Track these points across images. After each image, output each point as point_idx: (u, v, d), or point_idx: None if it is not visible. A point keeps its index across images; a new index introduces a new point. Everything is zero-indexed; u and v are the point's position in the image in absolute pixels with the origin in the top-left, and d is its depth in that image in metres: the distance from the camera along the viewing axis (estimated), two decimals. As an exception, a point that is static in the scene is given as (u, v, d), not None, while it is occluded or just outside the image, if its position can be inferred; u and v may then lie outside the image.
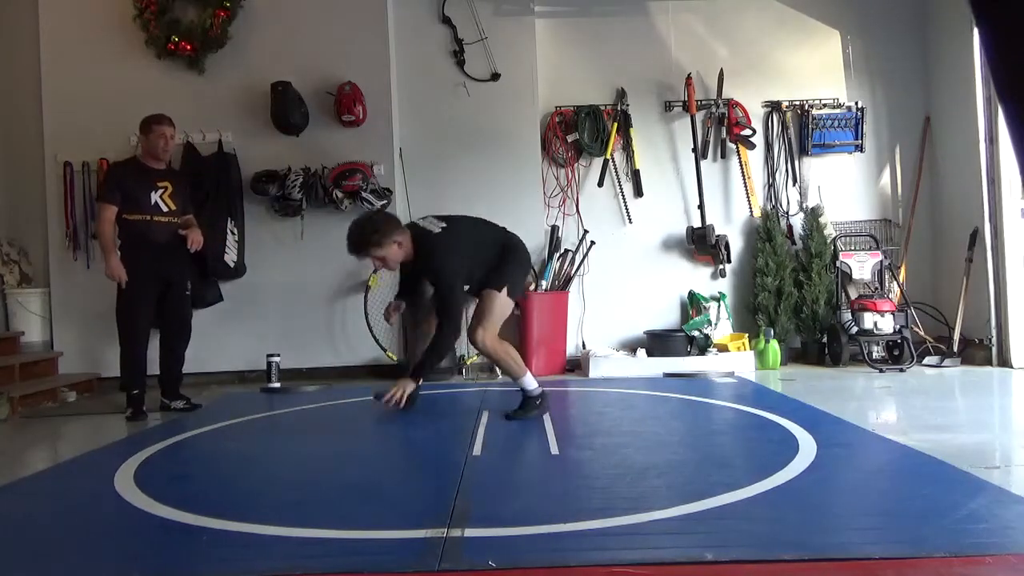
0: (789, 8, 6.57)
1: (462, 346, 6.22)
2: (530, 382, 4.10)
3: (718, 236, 6.28)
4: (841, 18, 6.58)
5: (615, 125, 6.43)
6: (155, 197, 4.69)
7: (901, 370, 5.68)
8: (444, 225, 4.10)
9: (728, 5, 6.60)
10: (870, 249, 6.28)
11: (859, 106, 6.50)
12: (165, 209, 4.73)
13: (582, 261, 6.42)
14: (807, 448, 3.19)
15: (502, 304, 4.06)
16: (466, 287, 4.11)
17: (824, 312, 6.21)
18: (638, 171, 6.48)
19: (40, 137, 6.00)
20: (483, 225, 4.33)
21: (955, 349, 5.92)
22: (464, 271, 4.02)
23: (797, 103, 6.52)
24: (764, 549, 2.06)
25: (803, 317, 6.25)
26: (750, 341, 6.13)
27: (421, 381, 4.14)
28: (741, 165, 6.54)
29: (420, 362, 4.10)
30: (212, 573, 2.06)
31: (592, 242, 6.43)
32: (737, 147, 6.53)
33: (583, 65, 6.59)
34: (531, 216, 6.35)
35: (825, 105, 6.50)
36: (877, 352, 6.07)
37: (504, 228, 4.35)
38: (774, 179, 6.54)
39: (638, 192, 6.51)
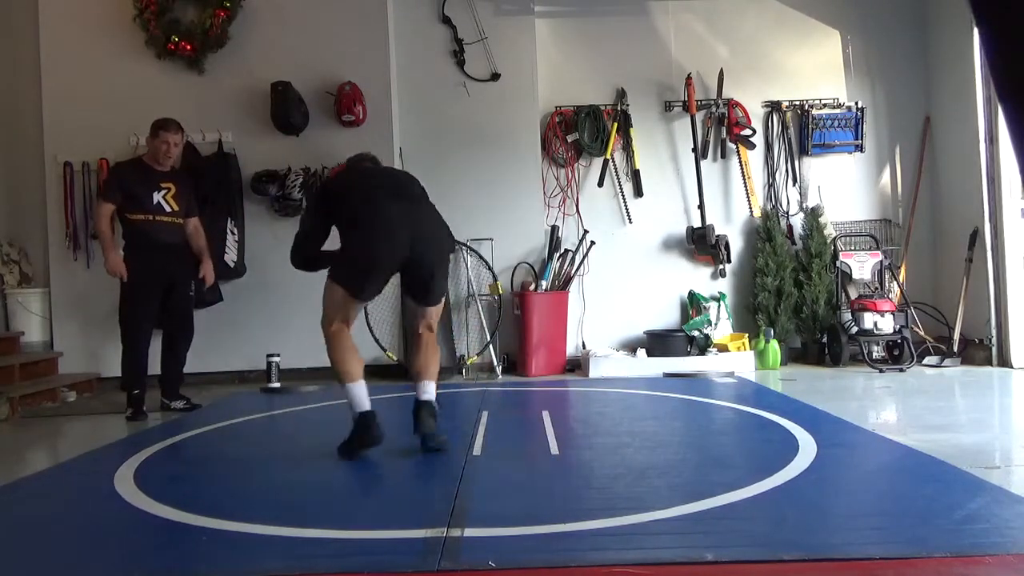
0: (789, 8, 6.57)
1: (461, 346, 6.24)
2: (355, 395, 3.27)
3: (718, 236, 6.28)
4: (841, 18, 6.58)
5: (615, 125, 6.43)
6: (158, 197, 4.70)
7: (901, 370, 5.68)
8: None
9: (728, 5, 6.60)
10: (870, 249, 6.28)
11: (859, 106, 6.50)
12: (168, 209, 4.74)
13: (582, 261, 6.41)
14: (807, 448, 3.18)
15: (327, 288, 3.43)
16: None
17: (824, 312, 6.21)
18: (638, 171, 6.48)
19: (40, 137, 5.99)
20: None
21: (955, 349, 5.92)
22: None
23: (797, 103, 6.52)
24: (764, 549, 2.06)
25: (803, 317, 6.25)
26: (750, 341, 6.13)
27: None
28: (741, 165, 6.54)
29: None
30: (212, 573, 2.06)
31: (592, 242, 6.43)
32: (737, 147, 6.53)
33: (583, 65, 6.59)
34: (531, 216, 6.35)
35: (825, 105, 6.50)
36: (877, 352, 6.07)
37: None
38: (774, 179, 6.54)
39: (638, 192, 6.51)
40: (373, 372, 6.04)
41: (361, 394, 3.30)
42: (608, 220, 6.54)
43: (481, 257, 6.27)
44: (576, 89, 6.52)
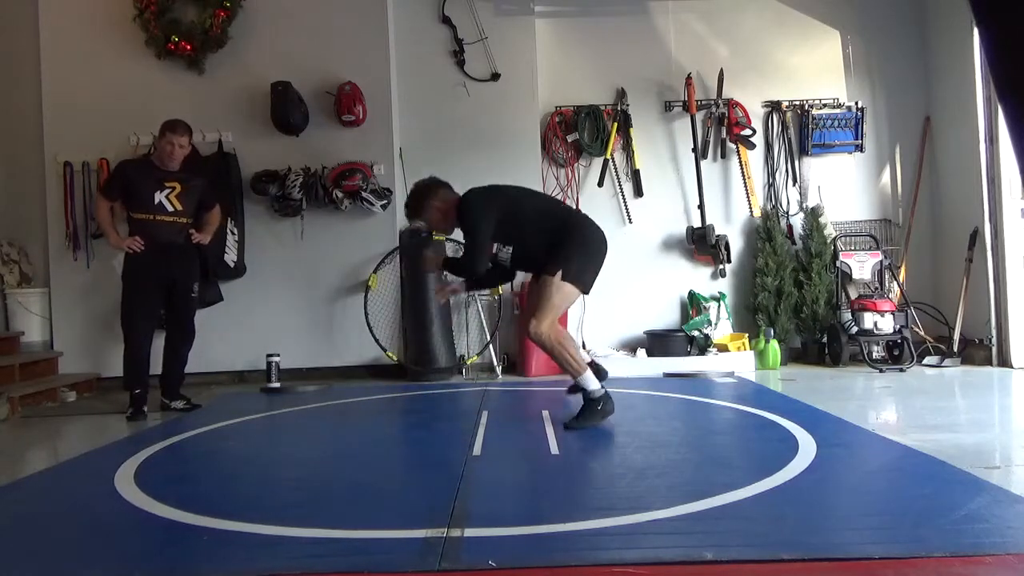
0: (789, 8, 6.57)
1: (461, 346, 6.23)
2: (590, 381, 3.72)
3: (718, 236, 6.29)
4: (841, 18, 6.58)
5: (615, 125, 6.43)
6: (159, 196, 4.70)
7: (901, 370, 5.68)
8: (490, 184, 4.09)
9: (728, 5, 6.60)
10: (870, 249, 6.28)
11: (859, 106, 6.50)
12: (170, 209, 4.73)
13: (582, 261, 6.40)
14: (807, 448, 3.18)
15: (559, 292, 3.70)
16: (507, 248, 3.87)
17: (824, 312, 6.21)
18: (638, 171, 6.48)
19: (40, 137, 5.99)
20: (542, 195, 4.27)
21: (955, 349, 5.92)
22: (494, 222, 3.81)
23: (797, 103, 6.52)
24: (764, 549, 2.06)
25: (803, 317, 6.25)
26: (750, 341, 6.12)
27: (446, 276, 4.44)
28: (741, 165, 6.54)
29: (451, 260, 4.29)
30: (212, 573, 2.06)
31: (592, 242, 6.41)
32: (737, 147, 6.53)
33: (583, 65, 6.59)
34: (531, 216, 6.34)
35: (825, 105, 6.50)
36: (877, 352, 6.07)
37: (572, 208, 4.30)
38: (774, 179, 6.54)
39: (638, 192, 6.51)
40: (374, 372, 6.07)
41: (594, 379, 3.78)
42: (608, 220, 6.49)
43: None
44: (576, 89, 6.52)
